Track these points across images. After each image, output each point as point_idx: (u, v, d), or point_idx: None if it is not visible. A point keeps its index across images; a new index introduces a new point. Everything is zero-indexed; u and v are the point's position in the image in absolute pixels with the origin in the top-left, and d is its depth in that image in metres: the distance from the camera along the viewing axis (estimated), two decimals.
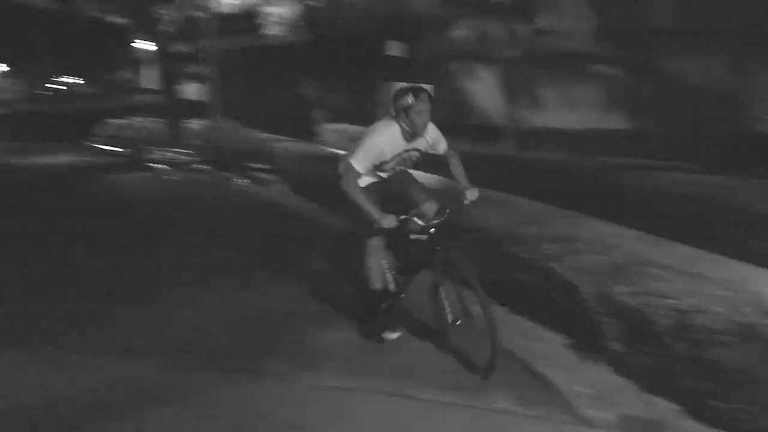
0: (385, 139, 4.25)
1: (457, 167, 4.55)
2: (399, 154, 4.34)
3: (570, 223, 5.67)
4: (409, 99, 4.15)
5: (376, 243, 4.47)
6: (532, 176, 8.22)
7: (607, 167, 9.01)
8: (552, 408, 3.78)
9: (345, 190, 4.20)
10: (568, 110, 13.26)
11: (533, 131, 12.53)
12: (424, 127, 4.28)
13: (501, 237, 5.41)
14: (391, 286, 4.62)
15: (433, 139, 4.45)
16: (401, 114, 4.20)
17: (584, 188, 7.44)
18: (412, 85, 4.31)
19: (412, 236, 4.25)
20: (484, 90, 14.22)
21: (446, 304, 4.25)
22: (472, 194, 4.42)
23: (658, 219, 5.84)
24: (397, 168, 4.49)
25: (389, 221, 4.07)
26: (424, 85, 4.36)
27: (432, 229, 4.21)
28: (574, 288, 4.47)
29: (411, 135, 4.28)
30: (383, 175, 4.49)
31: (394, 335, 4.58)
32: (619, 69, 14.23)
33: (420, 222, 4.21)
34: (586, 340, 4.41)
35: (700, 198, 6.53)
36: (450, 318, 4.22)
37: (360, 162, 4.22)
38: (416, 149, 4.42)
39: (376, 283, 4.57)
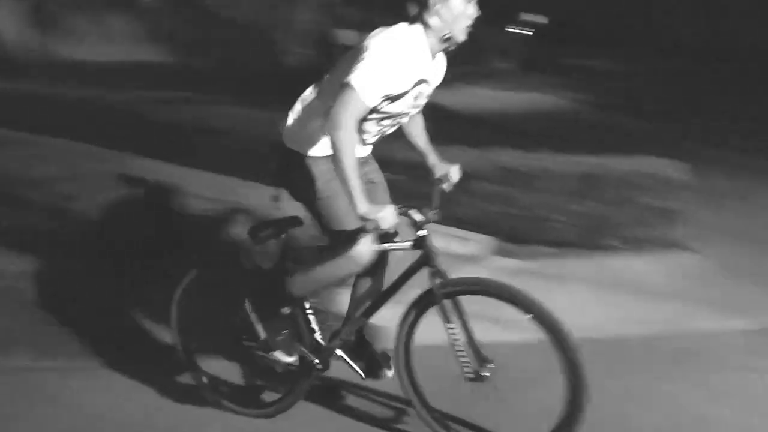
0: (410, 54, 2.54)
1: (421, 131, 3.02)
2: (416, 86, 2.63)
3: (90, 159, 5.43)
4: None
5: (362, 256, 2.62)
6: (64, 113, 7.60)
7: (145, 101, 8.83)
8: None
9: (334, 142, 2.41)
10: (105, 42, 12.55)
11: (65, 64, 11.55)
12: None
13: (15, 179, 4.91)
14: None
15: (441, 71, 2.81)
16: (433, 14, 2.53)
17: (118, 123, 7.18)
18: None
19: (391, 245, 2.71)
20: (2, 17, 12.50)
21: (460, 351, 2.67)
22: (455, 173, 2.96)
23: (190, 151, 5.92)
24: (401, 115, 2.74)
25: (390, 217, 2.41)
26: None
27: (423, 232, 2.64)
28: None
29: (436, 53, 2.64)
30: (371, 133, 2.75)
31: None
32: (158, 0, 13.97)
33: (419, 217, 2.61)
34: None
35: (228, 130, 6.85)
36: (467, 373, 2.69)
37: (371, 90, 2.44)
38: (426, 81, 2.68)
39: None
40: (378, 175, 2.92)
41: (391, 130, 2.80)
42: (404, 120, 2.81)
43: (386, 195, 2.91)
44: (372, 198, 2.62)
